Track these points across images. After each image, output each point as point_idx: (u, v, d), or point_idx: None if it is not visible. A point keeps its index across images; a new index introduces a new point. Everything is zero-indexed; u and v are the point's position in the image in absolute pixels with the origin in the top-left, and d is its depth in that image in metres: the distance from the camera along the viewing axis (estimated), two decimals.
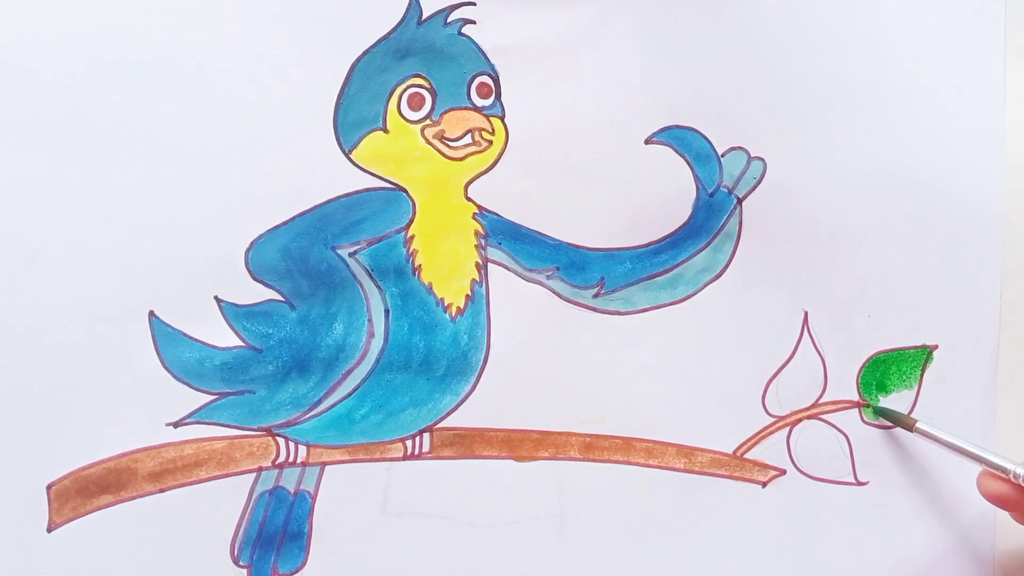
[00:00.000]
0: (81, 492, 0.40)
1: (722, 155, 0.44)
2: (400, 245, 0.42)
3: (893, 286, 0.45)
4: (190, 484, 0.41)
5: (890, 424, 0.45)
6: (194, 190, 0.40)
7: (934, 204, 0.45)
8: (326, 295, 0.42)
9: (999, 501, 0.40)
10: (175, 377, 0.41)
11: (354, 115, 0.41)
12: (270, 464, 0.42)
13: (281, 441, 0.42)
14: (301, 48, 0.41)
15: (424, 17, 0.41)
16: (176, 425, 0.41)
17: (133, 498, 0.40)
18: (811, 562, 0.45)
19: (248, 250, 0.41)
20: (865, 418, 0.45)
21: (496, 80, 0.42)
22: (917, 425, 0.43)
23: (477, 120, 0.42)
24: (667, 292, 0.44)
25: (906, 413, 0.44)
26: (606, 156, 0.43)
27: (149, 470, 0.41)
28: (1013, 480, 0.39)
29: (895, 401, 0.45)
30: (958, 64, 0.44)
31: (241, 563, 0.41)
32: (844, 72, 0.44)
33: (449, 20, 0.42)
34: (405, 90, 0.42)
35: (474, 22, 0.42)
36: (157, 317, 0.40)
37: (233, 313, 0.41)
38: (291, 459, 0.42)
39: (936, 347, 0.45)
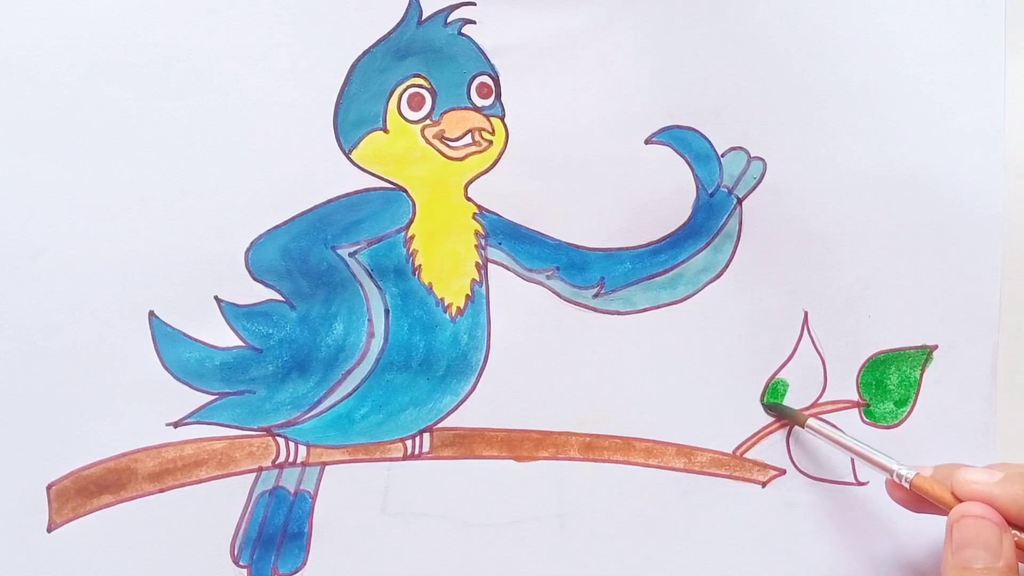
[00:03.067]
0: (81, 492, 0.40)
1: (722, 155, 0.44)
2: (400, 245, 0.42)
3: (893, 286, 0.45)
4: (190, 484, 0.41)
5: (888, 424, 0.45)
6: (194, 190, 0.40)
7: (934, 204, 0.45)
8: (326, 295, 0.42)
9: (903, 503, 0.40)
10: (175, 377, 0.41)
11: (354, 115, 0.41)
12: (270, 464, 0.42)
13: (281, 441, 0.42)
14: (301, 48, 0.41)
15: (424, 17, 0.41)
16: (176, 425, 0.41)
17: (133, 498, 0.40)
18: (811, 562, 0.45)
19: (248, 250, 0.41)
20: (865, 418, 0.45)
21: (496, 80, 0.42)
22: (808, 422, 0.42)
23: (477, 120, 0.42)
24: (667, 292, 0.44)
25: (798, 410, 0.44)
26: (606, 156, 0.43)
27: (149, 470, 0.41)
28: (896, 481, 0.39)
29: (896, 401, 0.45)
30: (958, 64, 0.44)
31: (241, 563, 0.41)
32: (844, 72, 0.44)
33: (449, 20, 0.42)
34: (405, 90, 0.42)
35: (474, 22, 0.42)
36: (157, 317, 0.40)
37: (233, 313, 0.41)
38: (291, 459, 0.42)
39: (936, 347, 0.45)
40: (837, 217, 0.44)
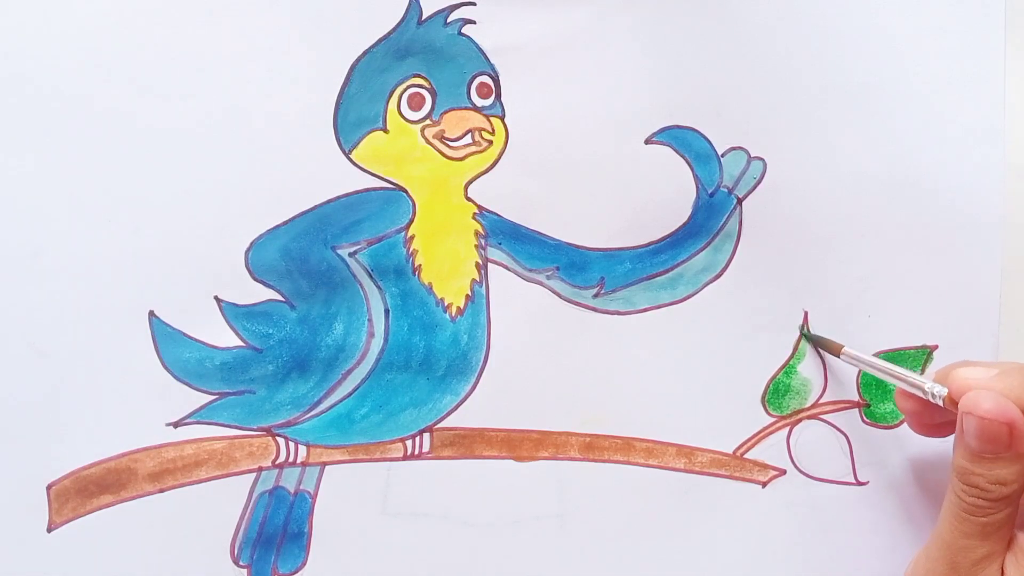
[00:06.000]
0: (81, 492, 0.40)
1: (722, 155, 0.44)
2: (400, 245, 0.42)
3: (893, 286, 0.45)
4: (190, 484, 0.41)
5: (888, 425, 0.45)
6: (194, 190, 0.40)
7: (934, 204, 0.45)
8: (326, 295, 0.42)
9: (913, 415, 0.41)
10: (175, 377, 0.41)
11: (354, 115, 0.41)
12: (270, 464, 0.42)
13: (281, 441, 0.42)
14: (301, 48, 0.41)
15: (424, 17, 0.41)
16: (176, 425, 0.41)
17: (133, 498, 0.41)
18: (811, 562, 0.45)
19: (248, 250, 0.41)
20: (865, 418, 0.45)
21: (496, 80, 0.42)
22: (844, 350, 0.43)
23: (477, 120, 0.42)
24: (667, 292, 0.44)
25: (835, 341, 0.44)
26: (606, 156, 0.43)
27: (149, 470, 0.41)
28: (931, 400, 0.39)
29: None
30: (958, 64, 0.44)
31: (241, 563, 0.41)
32: (844, 72, 0.44)
33: (449, 20, 0.42)
34: (405, 90, 0.42)
35: (474, 22, 0.42)
36: (157, 317, 0.40)
37: (233, 313, 0.41)
38: (291, 459, 0.42)
39: (936, 347, 0.45)
40: (837, 217, 0.44)
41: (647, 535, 0.44)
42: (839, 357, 0.43)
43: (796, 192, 0.44)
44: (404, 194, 0.42)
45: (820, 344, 0.44)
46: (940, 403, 0.38)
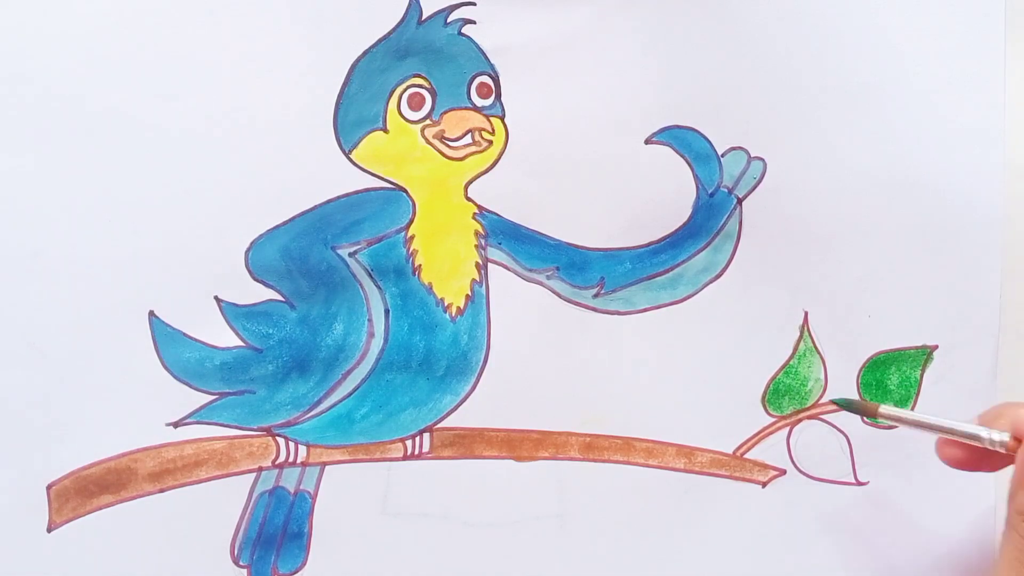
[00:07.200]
0: (81, 492, 0.40)
1: (722, 155, 0.44)
2: (400, 245, 0.42)
3: (893, 286, 0.45)
4: (190, 484, 0.41)
5: (888, 425, 0.45)
6: (194, 190, 0.40)
7: (934, 204, 0.45)
8: (326, 295, 0.42)
9: (958, 464, 0.39)
10: (175, 377, 0.41)
11: (354, 115, 0.41)
12: (270, 464, 0.42)
13: (281, 441, 0.42)
14: (301, 48, 0.41)
15: (424, 17, 0.41)
16: (176, 425, 0.41)
17: (133, 498, 0.41)
18: (811, 562, 0.45)
19: (248, 250, 0.41)
20: (866, 419, 0.45)
21: (496, 80, 0.42)
22: (880, 409, 0.41)
23: (477, 120, 0.42)
24: (667, 292, 0.44)
25: (864, 401, 0.44)
26: (606, 156, 0.43)
27: (149, 470, 0.41)
28: (988, 447, 0.37)
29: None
30: (958, 64, 0.44)
31: (241, 563, 0.41)
32: (844, 72, 0.44)
33: (449, 20, 0.42)
34: (405, 90, 0.42)
35: (474, 22, 0.42)
36: (157, 317, 0.40)
37: (233, 313, 0.41)
38: (291, 459, 0.42)
39: (936, 347, 0.45)
40: (837, 217, 0.44)
41: (647, 535, 0.44)
42: (876, 418, 0.42)
43: (796, 192, 0.44)
44: (404, 194, 0.42)
45: (854, 408, 0.43)
46: (1001, 449, 0.37)
